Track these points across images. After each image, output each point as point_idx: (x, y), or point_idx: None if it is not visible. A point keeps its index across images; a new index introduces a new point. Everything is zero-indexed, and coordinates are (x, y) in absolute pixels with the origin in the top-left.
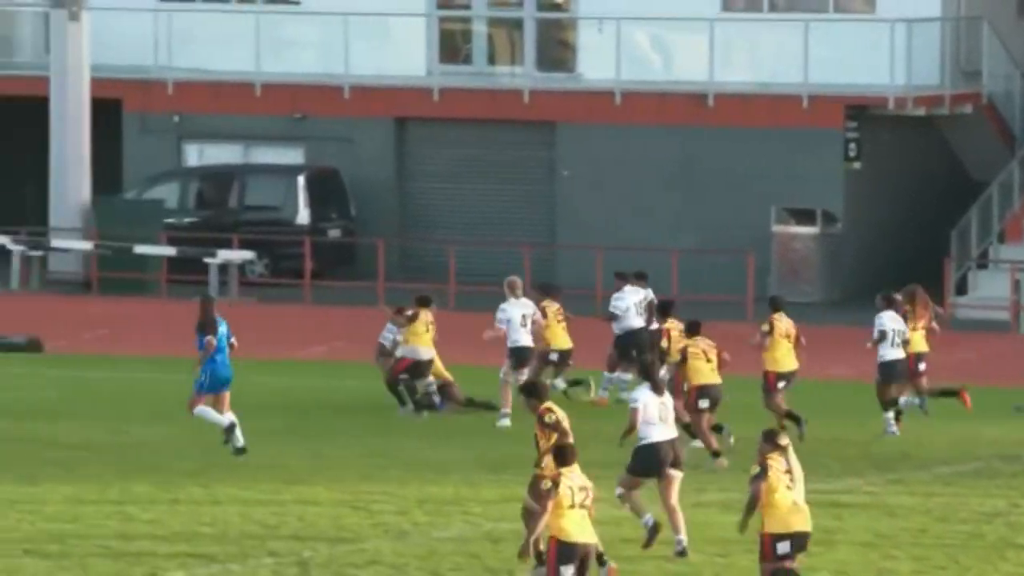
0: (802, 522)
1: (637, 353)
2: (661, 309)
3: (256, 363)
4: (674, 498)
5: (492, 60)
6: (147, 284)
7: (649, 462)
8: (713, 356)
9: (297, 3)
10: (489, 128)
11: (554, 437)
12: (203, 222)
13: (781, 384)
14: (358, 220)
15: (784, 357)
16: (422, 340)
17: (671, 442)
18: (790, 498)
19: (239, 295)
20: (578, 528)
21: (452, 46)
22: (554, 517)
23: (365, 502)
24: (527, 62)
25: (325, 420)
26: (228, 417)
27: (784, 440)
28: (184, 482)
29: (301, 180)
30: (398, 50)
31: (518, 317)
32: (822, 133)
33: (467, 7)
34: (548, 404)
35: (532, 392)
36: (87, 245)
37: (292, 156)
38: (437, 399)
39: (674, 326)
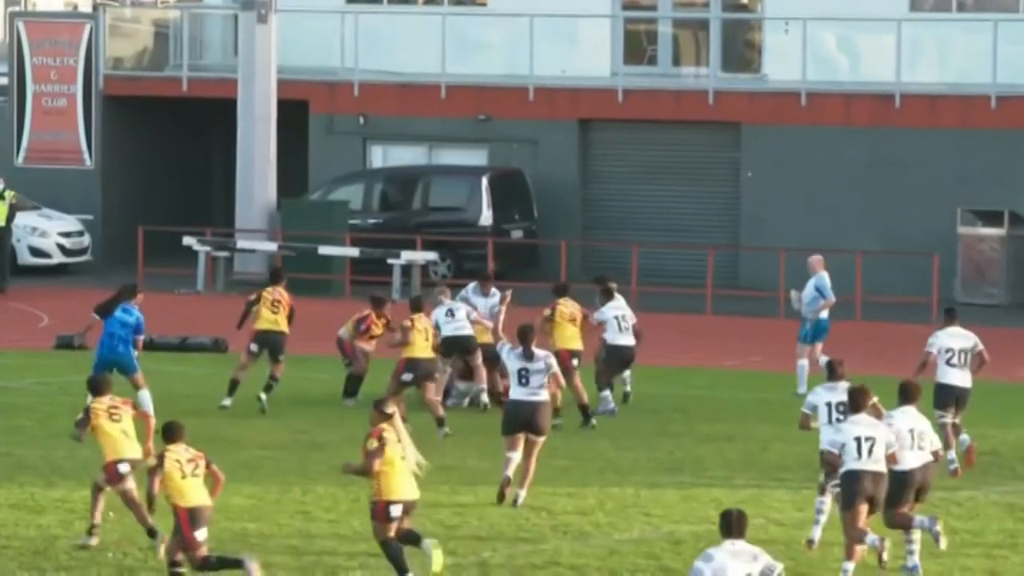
0: (412, 490)
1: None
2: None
3: None
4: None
5: (677, 61)
6: (331, 285)
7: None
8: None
9: (483, 4)
10: (673, 129)
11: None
12: (387, 223)
13: (575, 361)
14: (541, 221)
15: (572, 337)
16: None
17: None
18: (404, 468)
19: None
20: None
21: (637, 47)
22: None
23: (546, 503)
24: (712, 63)
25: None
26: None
27: (391, 408)
28: (365, 482)
29: (485, 181)
30: (583, 51)
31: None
32: (1010, 134)
33: (653, 8)
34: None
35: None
36: (272, 246)
37: (476, 157)
38: (484, 398)
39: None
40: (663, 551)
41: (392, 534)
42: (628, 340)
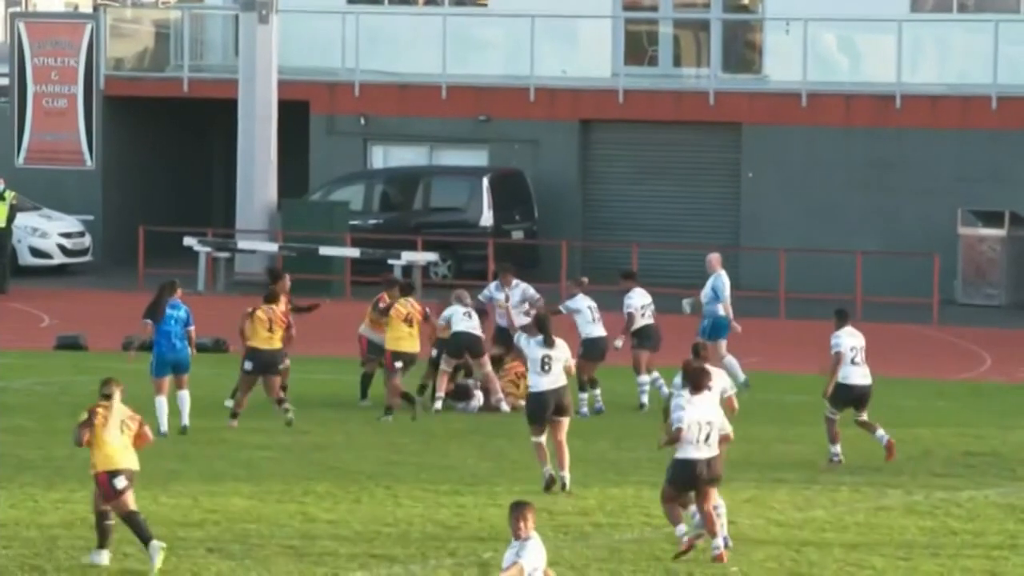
0: (130, 459)
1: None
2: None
3: None
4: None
5: (678, 62)
6: (332, 285)
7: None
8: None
9: (484, 5)
10: (674, 130)
11: None
12: (387, 224)
13: (399, 364)
14: (541, 222)
15: (404, 339)
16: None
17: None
18: (120, 440)
19: (422, 297)
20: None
21: (638, 48)
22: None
23: (546, 503)
24: (713, 64)
25: (507, 420)
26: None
27: (109, 388)
28: (366, 483)
29: (485, 182)
30: (584, 52)
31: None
32: (1011, 134)
33: (654, 9)
34: None
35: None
36: (273, 246)
37: (477, 158)
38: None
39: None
40: (664, 552)
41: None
42: (601, 331)
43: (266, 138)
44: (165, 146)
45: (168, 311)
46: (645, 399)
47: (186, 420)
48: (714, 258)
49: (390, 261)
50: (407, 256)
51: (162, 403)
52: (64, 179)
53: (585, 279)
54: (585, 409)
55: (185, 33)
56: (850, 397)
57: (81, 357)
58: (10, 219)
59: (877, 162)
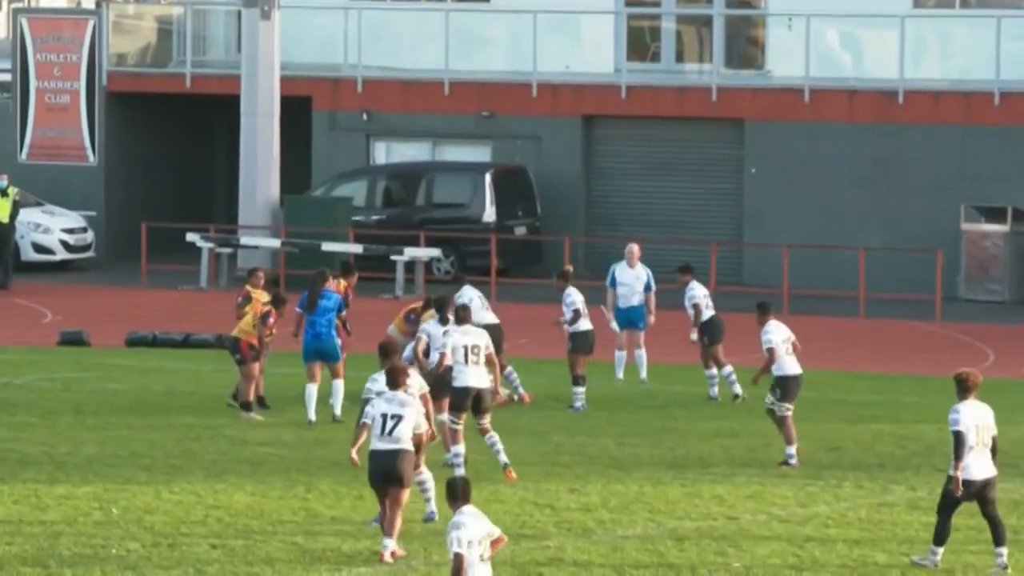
0: None
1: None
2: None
3: None
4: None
5: (680, 58)
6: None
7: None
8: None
9: (487, 0)
10: (676, 126)
11: None
12: (390, 220)
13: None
14: (544, 218)
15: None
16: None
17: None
18: None
19: (425, 293)
20: None
21: (640, 44)
22: None
23: (549, 499)
24: (715, 59)
25: (510, 417)
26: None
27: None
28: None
29: (488, 178)
30: (586, 48)
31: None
32: (1014, 130)
33: (656, 5)
34: None
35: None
36: (275, 242)
37: (479, 154)
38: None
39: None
40: (667, 548)
41: None
42: (589, 325)
43: (268, 134)
44: (167, 142)
45: (319, 301)
46: (715, 391)
47: (338, 410)
48: (633, 249)
49: (393, 257)
50: (410, 252)
51: (310, 391)
52: (67, 175)
53: (570, 267)
54: (579, 404)
55: (188, 29)
56: (795, 387)
57: (84, 353)
58: (13, 215)
59: (880, 158)
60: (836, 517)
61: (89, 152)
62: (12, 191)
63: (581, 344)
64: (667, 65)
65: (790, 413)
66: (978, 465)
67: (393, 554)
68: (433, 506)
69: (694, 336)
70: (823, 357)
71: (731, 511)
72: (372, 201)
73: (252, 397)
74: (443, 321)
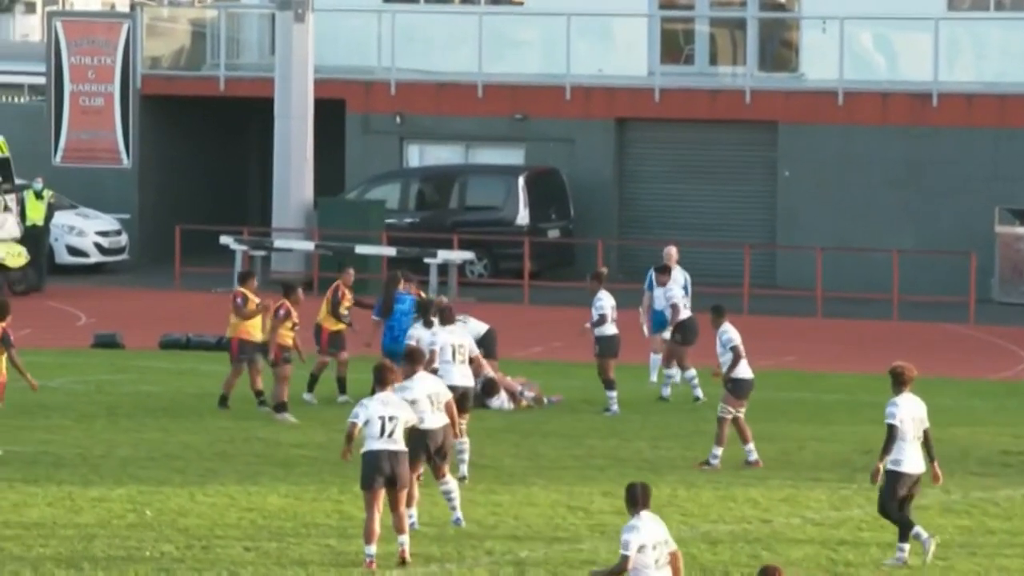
0: None
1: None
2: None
3: None
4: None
5: (714, 60)
6: (367, 284)
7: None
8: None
9: (520, 3)
10: (710, 128)
11: None
12: (423, 222)
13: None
14: (577, 220)
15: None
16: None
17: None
18: None
19: (459, 295)
20: None
21: (674, 46)
22: None
23: (582, 502)
24: (749, 62)
25: (542, 420)
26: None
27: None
28: None
29: (521, 181)
30: (620, 51)
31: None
32: None
33: (690, 7)
34: None
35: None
36: (309, 245)
37: (513, 156)
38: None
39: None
40: (700, 550)
41: None
42: (614, 329)
43: (302, 137)
44: (201, 145)
45: (395, 305)
46: (667, 391)
47: None
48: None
49: (426, 260)
50: (443, 255)
51: None
52: (101, 178)
53: (604, 269)
54: (615, 407)
55: (221, 32)
56: (748, 390)
57: (118, 355)
58: (48, 218)
59: (913, 160)
60: (870, 520)
61: (123, 155)
62: (46, 194)
63: (606, 348)
64: (700, 68)
65: (730, 416)
66: (914, 459)
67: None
68: (459, 512)
69: (666, 334)
70: (856, 360)
71: (765, 514)
72: (405, 204)
73: (286, 397)
74: (427, 325)
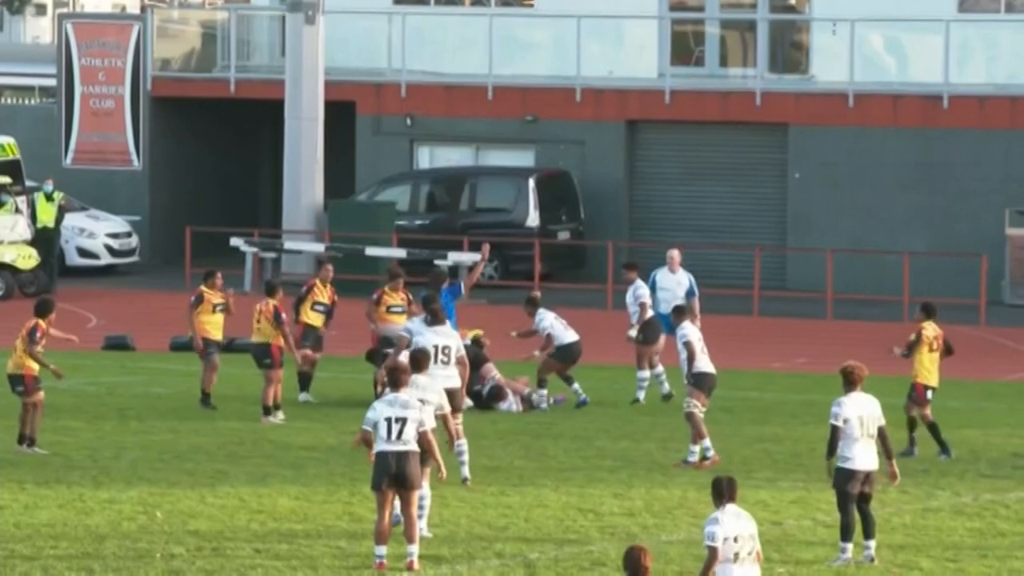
0: None
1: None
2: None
3: None
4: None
5: (724, 62)
6: (378, 286)
7: None
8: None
9: (531, 5)
10: (720, 130)
11: None
12: (434, 224)
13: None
14: (588, 222)
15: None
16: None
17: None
18: None
19: (469, 297)
20: None
21: (684, 48)
22: None
23: (593, 504)
24: (760, 64)
25: (551, 421)
26: None
27: None
28: None
29: (531, 182)
30: (630, 52)
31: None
32: None
33: (700, 9)
34: None
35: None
36: (319, 247)
37: (523, 158)
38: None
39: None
40: None
41: None
42: (574, 336)
43: (312, 139)
44: (212, 147)
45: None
46: (642, 395)
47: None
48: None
49: (437, 261)
50: (453, 257)
51: None
52: (111, 180)
53: (537, 293)
54: (545, 405)
55: (232, 34)
56: (710, 384)
57: (128, 357)
58: (58, 220)
59: (924, 163)
60: (880, 523)
61: (134, 157)
62: (57, 196)
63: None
64: (711, 70)
65: (697, 410)
66: (864, 456)
67: (410, 564)
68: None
69: (632, 333)
70: (867, 361)
71: (775, 516)
72: (416, 206)
73: (271, 401)
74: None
